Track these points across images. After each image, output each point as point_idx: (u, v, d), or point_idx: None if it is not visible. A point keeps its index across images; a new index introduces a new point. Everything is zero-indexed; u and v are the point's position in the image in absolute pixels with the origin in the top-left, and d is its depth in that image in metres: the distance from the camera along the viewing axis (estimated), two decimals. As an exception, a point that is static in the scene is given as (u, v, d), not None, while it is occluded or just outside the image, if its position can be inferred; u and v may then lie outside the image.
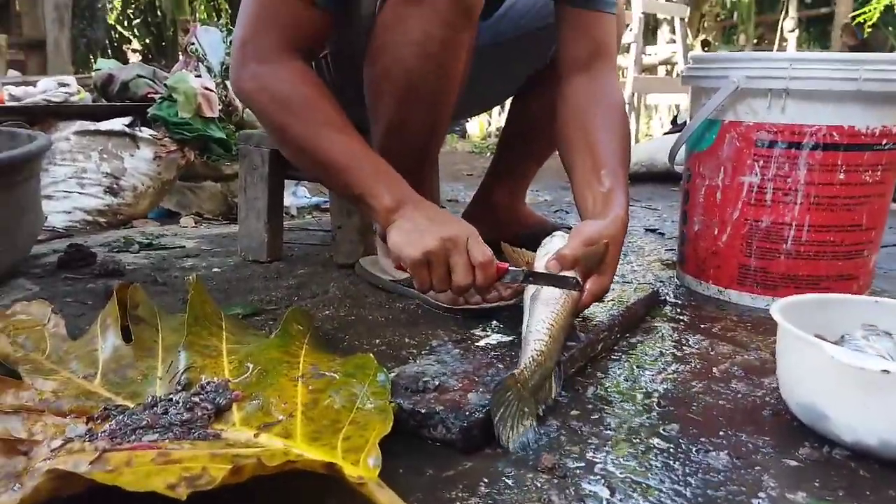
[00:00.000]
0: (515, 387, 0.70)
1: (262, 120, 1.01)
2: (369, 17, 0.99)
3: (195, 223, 1.91)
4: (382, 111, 1.05)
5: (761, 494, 0.60)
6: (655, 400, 0.79)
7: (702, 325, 1.05)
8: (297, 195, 2.31)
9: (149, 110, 1.89)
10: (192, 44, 2.15)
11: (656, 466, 0.64)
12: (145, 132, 1.86)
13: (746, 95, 1.07)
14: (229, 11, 8.97)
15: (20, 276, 1.27)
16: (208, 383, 0.71)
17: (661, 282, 1.30)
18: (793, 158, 1.05)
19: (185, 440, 0.61)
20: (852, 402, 0.64)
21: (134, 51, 10.85)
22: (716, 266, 1.18)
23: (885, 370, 0.60)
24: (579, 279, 0.87)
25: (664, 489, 0.60)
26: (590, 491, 0.60)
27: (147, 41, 10.61)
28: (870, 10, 4.43)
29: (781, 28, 9.09)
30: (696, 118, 1.14)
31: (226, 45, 2.26)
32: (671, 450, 0.67)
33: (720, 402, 0.79)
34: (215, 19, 10.52)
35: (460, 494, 0.60)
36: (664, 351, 0.95)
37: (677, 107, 5.19)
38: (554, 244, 0.94)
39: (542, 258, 0.92)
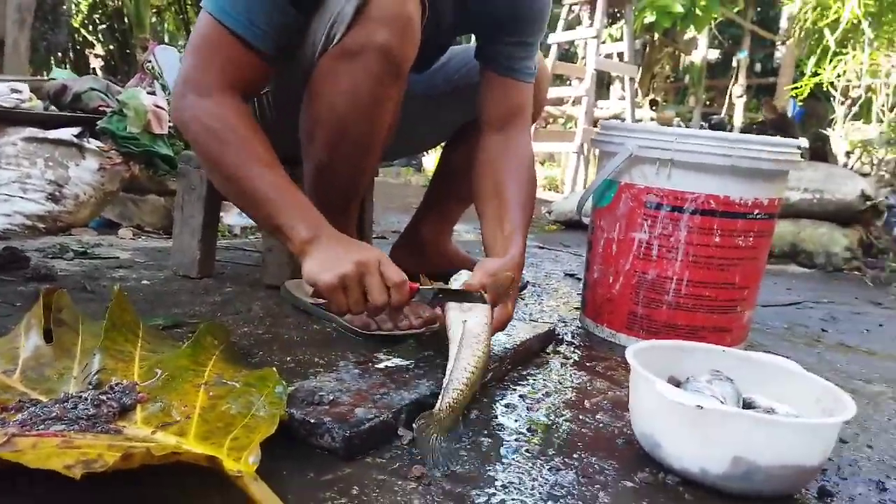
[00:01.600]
0: (434, 424, 0.79)
1: (194, 149, 1.09)
2: (308, 65, 1.09)
3: (133, 235, 1.96)
4: (314, 152, 1.14)
5: (590, 506, 0.70)
6: (527, 425, 0.89)
7: (588, 364, 1.16)
8: (242, 214, 2.38)
9: (98, 123, 1.95)
10: (150, 61, 2.22)
11: (511, 480, 0.74)
12: (93, 143, 1.91)
13: (639, 162, 1.20)
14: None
15: (-50, 274, 1.31)
16: (117, 384, 0.78)
17: (564, 322, 1.41)
18: (675, 220, 1.19)
19: (89, 432, 0.68)
20: (677, 434, 0.75)
21: (97, 56, 10.73)
22: (610, 311, 1.30)
23: (699, 406, 0.71)
24: (486, 296, 0.98)
25: (510, 499, 0.70)
26: (448, 493, 0.69)
27: (111, 47, 10.52)
28: (801, 87, 4.76)
29: (730, 93, 9.61)
30: (599, 177, 1.27)
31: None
32: (527, 467, 0.77)
33: (583, 429, 0.89)
34: (184, 34, 10.57)
35: (332, 496, 0.68)
36: (548, 383, 1.05)
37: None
38: (461, 277, 1.06)
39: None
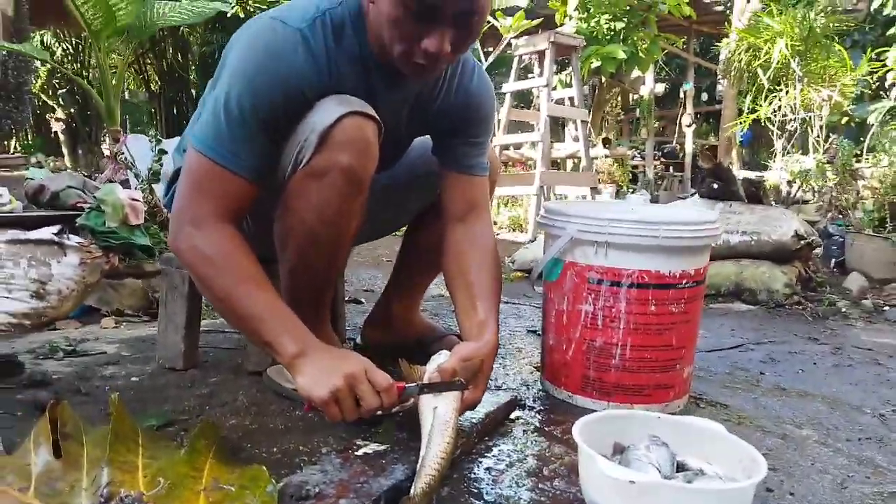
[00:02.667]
0: None
1: (192, 274, 1.20)
2: (280, 184, 1.22)
3: (115, 323, 2.05)
4: (288, 257, 1.27)
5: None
6: (493, 498, 1.01)
7: (547, 429, 1.29)
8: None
9: (77, 220, 2.05)
10: (122, 153, 2.33)
11: (477, 555, 0.86)
12: (73, 240, 2.00)
13: (580, 243, 1.36)
14: (161, 121, 9.20)
15: (-52, 386, 1.39)
16: (126, 496, 0.89)
17: (525, 385, 1.54)
18: (615, 294, 1.34)
19: (108, 546, 0.79)
20: (617, 503, 0.88)
21: (58, 119, 10.76)
22: (565, 375, 1.43)
23: (631, 481, 0.84)
24: (463, 381, 1.11)
25: (477, 573, 0.82)
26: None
27: (72, 111, 10.56)
28: (742, 123, 5.05)
29: (680, 123, 10.02)
30: (546, 256, 1.42)
31: (154, 153, 2.46)
32: (492, 540, 0.89)
33: (542, 497, 1.02)
34: (144, 91, 10.66)
35: (325, 582, 0.79)
36: (511, 454, 1.17)
37: (584, 197, 5.67)
38: (440, 359, 1.18)
39: (430, 372, 1.16)
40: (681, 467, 1.01)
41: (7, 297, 1.82)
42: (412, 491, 0.94)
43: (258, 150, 1.15)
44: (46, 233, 1.94)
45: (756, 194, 2.79)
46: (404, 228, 1.73)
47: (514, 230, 5.54)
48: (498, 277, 1.37)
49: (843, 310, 2.43)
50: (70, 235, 2.02)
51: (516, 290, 2.73)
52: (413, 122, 1.37)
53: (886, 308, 2.49)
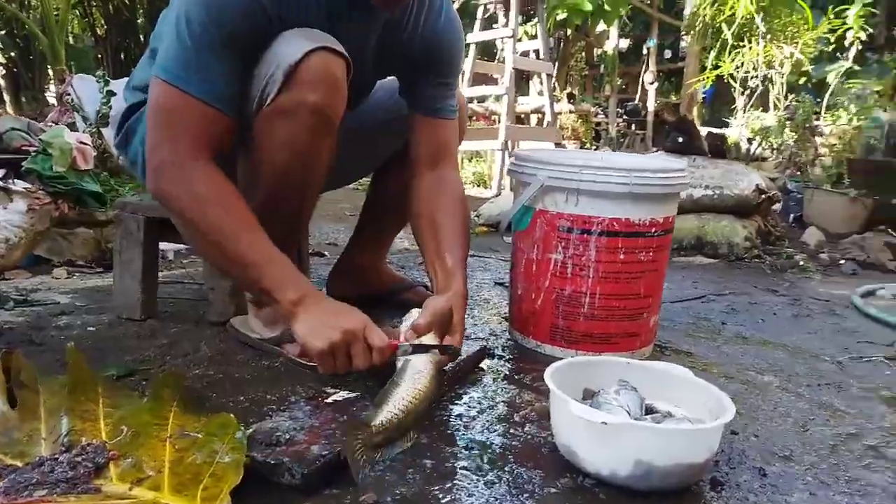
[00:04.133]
0: (364, 437, 0.89)
1: (179, 218, 1.14)
2: (245, 119, 1.16)
3: (68, 274, 1.97)
4: (255, 195, 1.21)
5: (520, 515, 0.83)
6: (464, 444, 1.00)
7: (516, 377, 1.29)
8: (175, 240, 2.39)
9: (23, 164, 1.94)
10: (68, 94, 2.20)
11: (452, 498, 0.85)
12: (19, 185, 1.90)
13: (550, 191, 1.34)
14: (108, 67, 8.75)
15: None
16: (88, 444, 0.85)
17: (494, 335, 1.54)
18: (585, 242, 1.33)
19: (71, 493, 0.76)
20: (589, 444, 0.89)
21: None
22: (534, 324, 1.43)
23: (603, 422, 0.84)
24: (457, 348, 1.11)
25: (451, 515, 0.82)
26: (396, 519, 0.80)
27: (12, 54, 10.01)
28: (705, 79, 5.07)
29: (642, 80, 10.03)
30: (516, 204, 1.40)
31: (102, 95, 2.33)
32: (465, 484, 0.89)
33: (513, 442, 1.02)
34: (90, 34, 10.14)
35: (296, 527, 0.78)
36: (482, 400, 1.17)
37: (546, 153, 5.65)
38: (412, 316, 1.16)
39: (404, 331, 1.14)
40: (649, 410, 1.02)
41: (-50, 246, 1.73)
42: (368, 420, 0.92)
43: (229, 73, 1.09)
44: (-9, 178, 1.84)
45: (720, 149, 2.81)
46: (370, 179, 1.68)
47: (478, 185, 5.52)
48: (466, 225, 1.36)
49: (801, 263, 2.49)
50: (16, 181, 1.93)
51: (483, 244, 2.72)
52: (379, 58, 1.31)
53: (842, 262, 2.56)
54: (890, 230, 2.82)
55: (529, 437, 1.04)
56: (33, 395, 0.97)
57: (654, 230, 1.35)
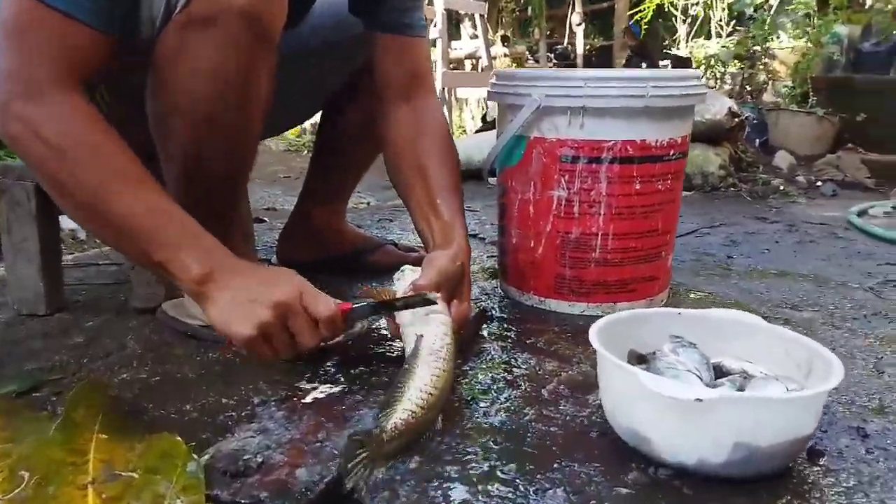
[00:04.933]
0: (371, 447, 0.65)
1: (35, 171, 0.84)
2: (149, 41, 0.87)
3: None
4: (175, 150, 0.93)
5: (599, 536, 0.60)
6: (492, 437, 0.77)
7: (527, 341, 1.07)
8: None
9: None
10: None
11: (498, 520, 0.63)
12: None
13: (548, 113, 1.10)
14: None
15: None
16: (-34, 510, 0.58)
17: (486, 294, 1.31)
18: (594, 172, 1.10)
19: None
20: (671, 428, 0.67)
21: None
22: (535, 277, 1.21)
23: (698, 399, 0.63)
24: (430, 295, 0.86)
25: (508, 548, 0.59)
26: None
27: None
28: (644, 9, 4.88)
29: (570, 22, 9.82)
30: (504, 135, 1.15)
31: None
32: (510, 496, 0.66)
33: (552, 428, 0.80)
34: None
35: None
36: (496, 377, 0.94)
37: (486, 101, 5.39)
38: (406, 277, 0.94)
39: (400, 292, 0.91)
40: (718, 371, 0.81)
41: None
42: (380, 424, 0.68)
43: None
44: None
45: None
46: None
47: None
48: (456, 167, 1.13)
49: (781, 188, 2.36)
50: None
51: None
52: None
53: (819, 183, 2.45)
54: (859, 148, 2.73)
55: (568, 418, 0.82)
56: None
57: (672, 153, 1.13)
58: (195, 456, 0.65)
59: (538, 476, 0.70)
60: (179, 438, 0.67)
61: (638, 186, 1.12)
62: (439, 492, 0.66)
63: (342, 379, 0.86)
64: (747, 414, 0.65)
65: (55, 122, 0.78)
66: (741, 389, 0.74)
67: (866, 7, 3.52)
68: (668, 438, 0.68)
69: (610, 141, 1.09)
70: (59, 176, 0.80)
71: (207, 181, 0.96)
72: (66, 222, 2.02)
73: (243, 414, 0.81)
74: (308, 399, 0.81)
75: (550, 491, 0.67)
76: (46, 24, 0.76)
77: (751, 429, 0.64)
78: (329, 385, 0.85)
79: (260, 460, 0.67)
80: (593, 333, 0.77)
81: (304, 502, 0.61)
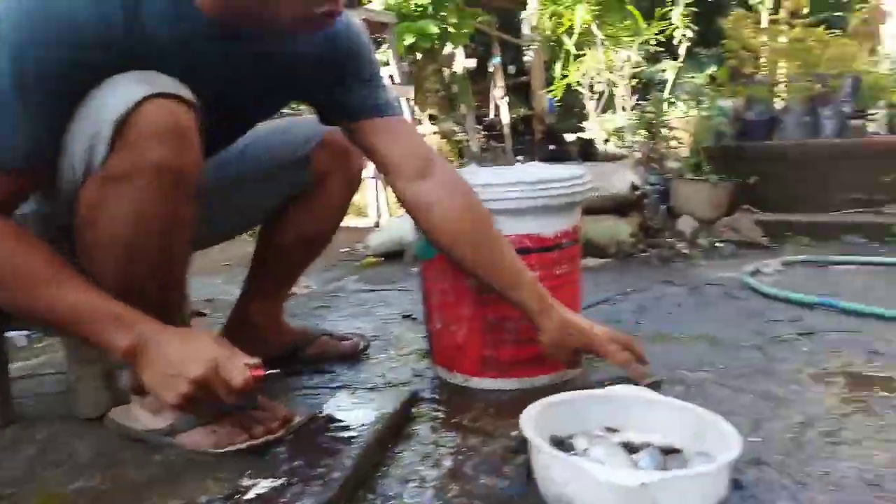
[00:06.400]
0: None
1: None
2: (70, 187, 0.95)
3: None
4: (104, 276, 0.99)
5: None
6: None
7: (453, 420, 1.18)
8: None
9: None
10: None
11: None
12: None
13: (460, 213, 1.24)
14: None
15: None
16: None
17: (417, 375, 1.41)
18: (503, 263, 1.25)
19: None
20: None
21: None
22: (460, 358, 1.33)
23: (643, 483, 0.73)
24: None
25: None
26: None
27: None
28: (555, 89, 5.27)
29: (492, 96, 10.35)
30: (417, 233, 1.29)
31: None
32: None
33: (475, 501, 0.90)
34: None
35: None
36: (425, 457, 1.04)
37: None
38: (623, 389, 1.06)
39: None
40: (630, 447, 0.93)
41: None
42: None
43: (38, 125, 0.91)
44: None
45: (588, 152, 2.88)
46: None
47: (357, 216, 5.36)
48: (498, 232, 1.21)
49: (685, 251, 2.59)
50: None
51: (378, 278, 2.58)
52: (261, 78, 1.10)
53: (719, 245, 2.69)
54: (752, 208, 3.02)
55: (491, 492, 0.93)
56: None
57: (565, 241, 1.30)
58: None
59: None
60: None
61: (539, 273, 1.26)
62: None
63: (281, 473, 0.94)
64: (682, 489, 0.76)
65: None
66: (661, 464, 0.87)
67: (753, 80, 3.92)
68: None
69: (509, 235, 1.24)
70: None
71: (139, 300, 0.99)
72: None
73: (192, 515, 0.89)
74: (250, 495, 0.89)
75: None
76: None
77: (687, 501, 0.76)
78: (270, 479, 0.93)
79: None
80: (526, 427, 0.88)
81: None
